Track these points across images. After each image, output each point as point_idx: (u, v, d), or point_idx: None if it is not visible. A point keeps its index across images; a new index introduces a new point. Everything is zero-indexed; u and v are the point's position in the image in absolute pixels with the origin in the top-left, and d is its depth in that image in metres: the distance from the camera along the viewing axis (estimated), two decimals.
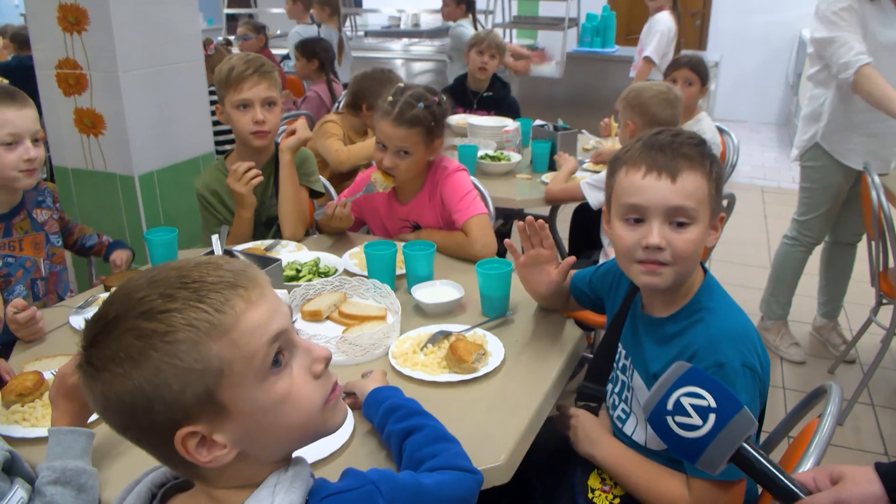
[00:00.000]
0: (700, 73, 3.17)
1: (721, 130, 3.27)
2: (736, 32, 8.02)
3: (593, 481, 1.47)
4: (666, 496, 1.31)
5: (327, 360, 0.86)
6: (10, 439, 1.27)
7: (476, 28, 5.17)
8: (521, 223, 1.58)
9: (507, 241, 1.62)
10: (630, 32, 8.09)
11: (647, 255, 1.29)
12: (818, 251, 3.31)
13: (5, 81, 5.55)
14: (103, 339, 0.75)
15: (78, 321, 1.70)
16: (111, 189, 2.86)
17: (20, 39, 5.41)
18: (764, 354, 1.30)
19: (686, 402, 0.99)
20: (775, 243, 4.65)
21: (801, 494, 0.95)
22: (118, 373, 0.74)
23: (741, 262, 4.36)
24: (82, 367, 0.77)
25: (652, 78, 4.39)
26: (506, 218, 3.48)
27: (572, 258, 1.62)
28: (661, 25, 4.52)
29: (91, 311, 1.73)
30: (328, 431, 0.88)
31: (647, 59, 4.54)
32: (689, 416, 0.99)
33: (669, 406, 1.00)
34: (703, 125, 3.11)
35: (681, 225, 1.28)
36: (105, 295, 1.82)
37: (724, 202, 2.50)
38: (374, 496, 0.85)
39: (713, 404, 0.98)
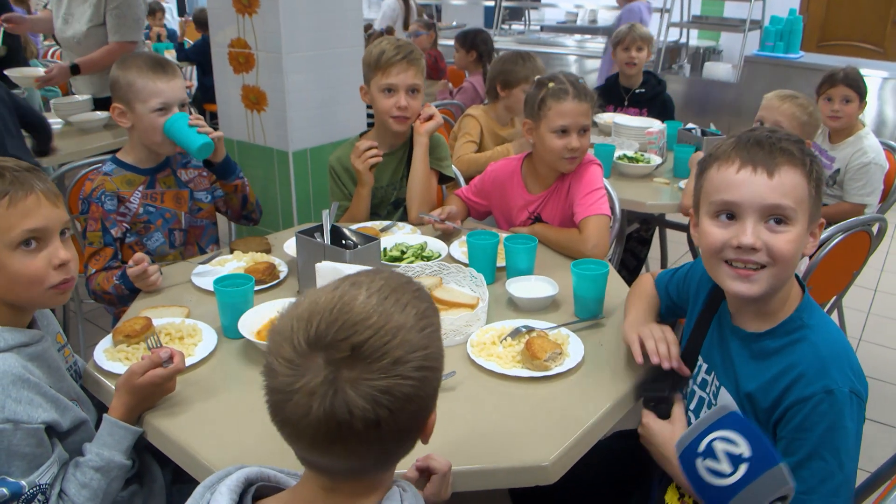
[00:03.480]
0: (858, 88, 2.88)
1: (892, 148, 2.97)
2: None
3: (671, 496, 1.41)
4: None
5: None
6: (111, 374, 1.43)
7: None
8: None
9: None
10: (824, 39, 7.47)
11: (738, 255, 1.19)
12: None
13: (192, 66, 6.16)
14: (392, 350, 0.80)
15: (200, 280, 1.85)
16: (268, 162, 3.08)
17: (200, 21, 5.99)
18: (864, 380, 1.19)
19: (719, 446, 0.93)
20: None
21: None
22: (427, 377, 0.83)
23: None
24: (354, 388, 0.78)
25: None
26: (642, 222, 3.37)
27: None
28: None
29: (212, 270, 1.88)
30: None
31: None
32: (718, 461, 0.92)
33: (701, 448, 0.94)
34: (865, 143, 2.84)
35: (777, 222, 1.17)
36: (228, 256, 1.97)
37: (875, 228, 2.29)
38: None
39: (747, 454, 0.91)
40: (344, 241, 1.78)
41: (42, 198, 1.25)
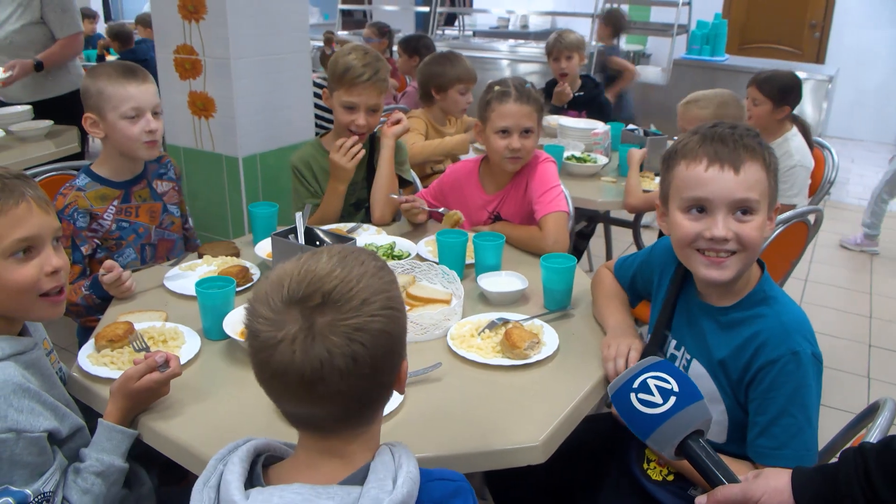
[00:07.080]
0: (766, 92, 2.89)
1: (821, 145, 3.15)
2: (859, 47, 7.64)
3: (650, 452, 1.51)
4: None
5: None
6: (98, 378, 1.43)
7: None
8: None
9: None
10: (745, 42, 7.86)
11: (711, 245, 1.30)
12: None
13: None
14: (358, 293, 0.87)
15: (173, 284, 1.85)
16: (217, 169, 3.06)
17: (121, 35, 5.89)
18: (818, 347, 1.31)
19: (652, 383, 1.09)
20: (879, 268, 4.46)
21: (724, 481, 1.04)
22: (394, 315, 0.90)
23: (841, 286, 4.18)
24: (330, 330, 0.85)
25: None
26: (589, 220, 3.49)
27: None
28: None
29: (183, 274, 1.89)
30: None
31: None
32: (651, 394, 1.08)
33: (635, 385, 1.10)
34: (791, 146, 2.89)
35: (744, 213, 1.29)
36: (198, 260, 1.97)
37: (812, 217, 2.45)
38: (466, 495, 0.95)
39: (676, 389, 1.08)
40: (317, 242, 1.82)
41: (33, 205, 1.24)
